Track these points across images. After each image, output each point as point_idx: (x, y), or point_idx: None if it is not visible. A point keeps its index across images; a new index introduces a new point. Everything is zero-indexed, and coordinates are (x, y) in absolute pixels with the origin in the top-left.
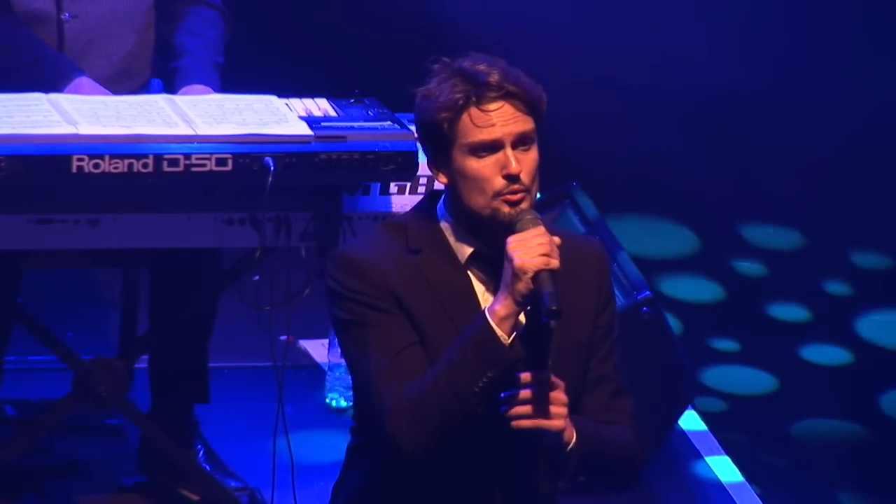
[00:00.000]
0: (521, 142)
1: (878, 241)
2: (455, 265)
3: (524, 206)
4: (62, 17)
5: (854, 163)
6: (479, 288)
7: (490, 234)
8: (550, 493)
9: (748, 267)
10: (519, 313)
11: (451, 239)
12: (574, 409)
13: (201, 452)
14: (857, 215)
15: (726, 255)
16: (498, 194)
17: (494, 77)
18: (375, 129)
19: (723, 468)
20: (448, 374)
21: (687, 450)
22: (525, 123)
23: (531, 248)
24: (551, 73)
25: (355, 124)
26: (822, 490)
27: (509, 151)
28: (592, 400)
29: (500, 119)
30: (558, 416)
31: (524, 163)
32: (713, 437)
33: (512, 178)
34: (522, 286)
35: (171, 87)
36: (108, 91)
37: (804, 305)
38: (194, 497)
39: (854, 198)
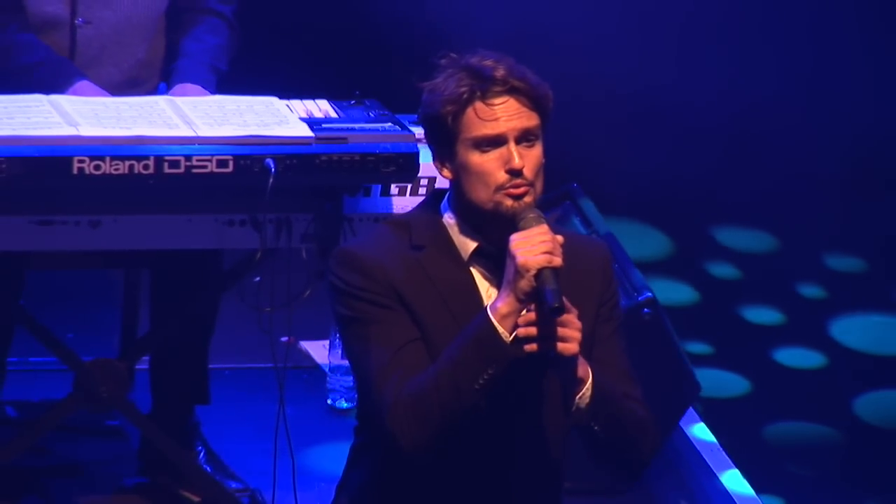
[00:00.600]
0: (525, 137)
1: (851, 243)
2: (458, 262)
3: (527, 199)
4: (76, 21)
5: (827, 166)
6: (481, 284)
7: (493, 230)
8: (555, 492)
9: (722, 269)
10: (521, 311)
11: (455, 235)
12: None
13: (202, 453)
14: (830, 218)
15: (699, 258)
16: (500, 188)
17: (500, 72)
18: (376, 130)
19: (723, 469)
20: (449, 371)
21: (688, 451)
22: (529, 119)
23: (534, 246)
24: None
25: (356, 126)
26: (797, 493)
27: (513, 146)
28: None
29: (505, 114)
30: (572, 340)
31: (528, 158)
32: (714, 438)
33: (514, 173)
34: (525, 284)
35: (166, 84)
36: (107, 93)
37: (777, 308)
38: (195, 498)
39: (827, 200)
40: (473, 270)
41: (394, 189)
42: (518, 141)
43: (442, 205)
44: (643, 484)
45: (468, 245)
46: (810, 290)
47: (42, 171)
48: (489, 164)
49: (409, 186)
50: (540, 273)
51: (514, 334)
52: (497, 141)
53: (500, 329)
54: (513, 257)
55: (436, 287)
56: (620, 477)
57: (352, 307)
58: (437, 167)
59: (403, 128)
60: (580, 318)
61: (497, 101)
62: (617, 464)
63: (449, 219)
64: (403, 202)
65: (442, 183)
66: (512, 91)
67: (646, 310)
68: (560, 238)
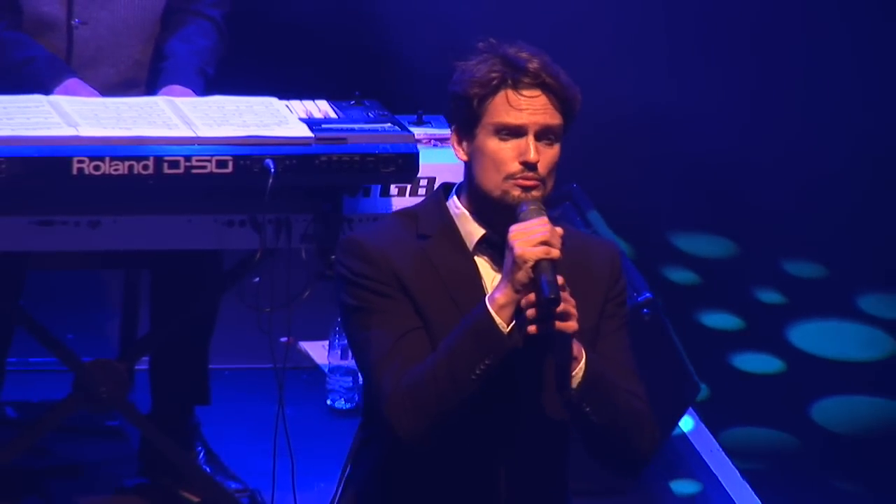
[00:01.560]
0: (545, 134)
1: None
2: (462, 251)
3: (535, 194)
4: (72, 22)
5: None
6: (486, 273)
7: (498, 219)
8: (560, 485)
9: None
10: (518, 301)
11: (461, 224)
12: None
13: (202, 454)
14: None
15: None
16: (511, 177)
17: (534, 65)
18: (376, 130)
19: (724, 470)
20: (446, 361)
21: (687, 451)
22: (553, 118)
23: (532, 237)
24: None
25: (356, 126)
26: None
27: (531, 140)
28: None
29: (531, 107)
30: (571, 316)
31: (544, 156)
32: (714, 439)
33: (528, 166)
34: (522, 275)
35: (153, 88)
36: (97, 93)
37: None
38: (195, 499)
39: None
40: (478, 259)
41: (393, 189)
42: (538, 137)
43: (450, 195)
44: (642, 484)
45: (474, 234)
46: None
47: (42, 171)
48: (505, 152)
49: (409, 187)
50: (537, 264)
51: (511, 324)
52: (517, 131)
53: (498, 319)
54: (511, 248)
55: (440, 276)
56: (618, 472)
57: (355, 295)
58: (453, 146)
59: (403, 128)
60: (585, 312)
61: (526, 92)
62: (612, 457)
63: (456, 208)
64: (403, 203)
65: (459, 158)
66: (542, 86)
67: (646, 310)
68: (559, 230)
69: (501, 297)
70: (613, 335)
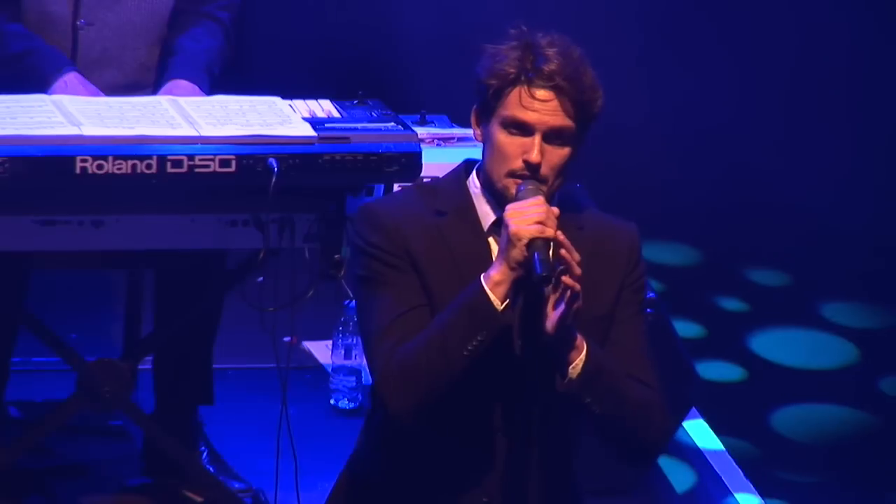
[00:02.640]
0: (554, 136)
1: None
2: (477, 230)
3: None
4: (78, 22)
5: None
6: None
7: (504, 202)
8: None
9: None
10: (513, 279)
11: (478, 205)
12: None
13: (205, 454)
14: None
15: None
16: (512, 174)
17: (552, 66)
18: (379, 130)
19: (727, 471)
20: (439, 336)
21: (691, 451)
22: (564, 121)
23: (527, 216)
24: None
25: (359, 125)
26: None
27: (537, 140)
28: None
29: (542, 107)
30: (571, 263)
31: (550, 157)
32: (717, 439)
33: (529, 166)
34: (517, 253)
35: (158, 84)
36: (97, 89)
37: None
38: (198, 498)
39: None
40: (492, 240)
41: (396, 189)
42: (546, 138)
43: (471, 173)
44: (646, 484)
45: (489, 215)
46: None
47: (45, 170)
48: (510, 147)
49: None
50: (531, 242)
51: (505, 302)
52: (525, 128)
53: (492, 296)
54: (506, 226)
55: (451, 254)
56: (628, 461)
57: (365, 265)
58: (472, 124)
59: (406, 127)
60: (600, 296)
61: (538, 93)
62: (619, 446)
63: (475, 187)
64: None
65: (476, 139)
66: (556, 89)
67: (649, 310)
68: (555, 210)
69: (497, 275)
70: (628, 322)
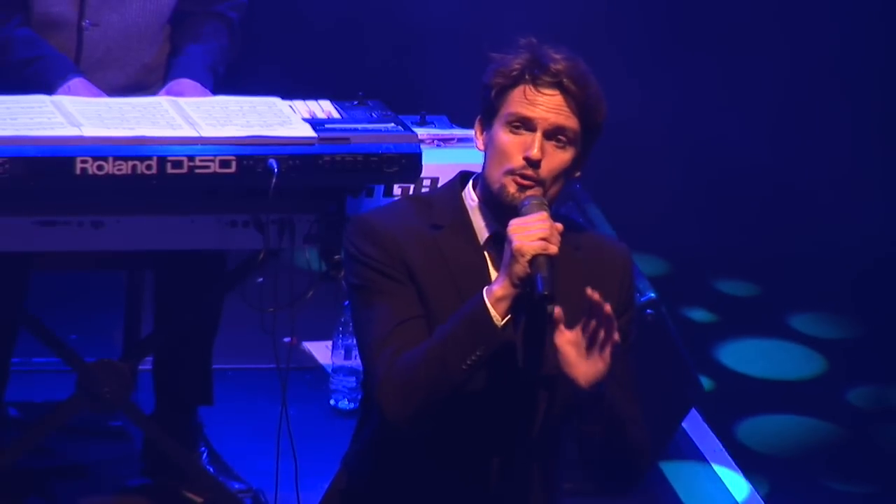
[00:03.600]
0: (556, 134)
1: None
2: (473, 245)
3: (531, 192)
4: (83, 23)
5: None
6: (495, 269)
7: (501, 214)
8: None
9: None
10: (515, 295)
11: (474, 218)
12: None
13: (205, 454)
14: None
15: None
16: (511, 172)
17: (558, 66)
18: (379, 130)
19: (726, 471)
20: (439, 348)
21: (690, 452)
22: (567, 119)
23: (531, 232)
24: None
25: (359, 126)
26: None
27: (538, 137)
28: None
29: (545, 104)
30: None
31: (550, 157)
32: (717, 440)
33: (530, 162)
34: (519, 269)
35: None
36: (103, 94)
37: None
38: (198, 499)
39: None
40: (487, 255)
41: (396, 190)
42: (548, 136)
43: (467, 186)
44: (644, 485)
45: (486, 228)
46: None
47: (45, 171)
48: (512, 145)
49: (412, 187)
50: (534, 259)
51: (506, 318)
52: (527, 124)
53: (493, 312)
54: (510, 242)
55: (448, 267)
56: (606, 491)
57: (361, 275)
58: (475, 135)
59: (406, 128)
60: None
61: (543, 90)
62: (605, 478)
63: (471, 200)
64: None
65: (479, 149)
66: (560, 87)
67: (649, 310)
68: (559, 226)
69: (499, 290)
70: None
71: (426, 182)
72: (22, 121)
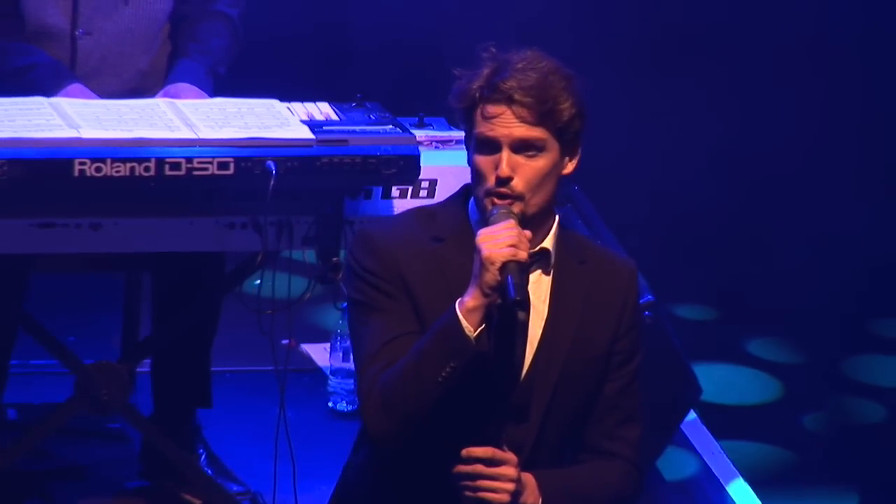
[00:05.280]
0: (524, 147)
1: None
2: (472, 258)
3: (514, 209)
4: (76, 32)
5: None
6: None
7: None
8: None
9: None
10: (487, 305)
11: (476, 232)
12: (576, 429)
13: (203, 456)
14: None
15: None
16: (489, 192)
17: (508, 84)
18: (377, 132)
19: (726, 474)
20: (415, 363)
21: (689, 452)
22: (529, 130)
23: (499, 240)
24: None
25: (357, 128)
26: None
27: (505, 154)
28: (599, 427)
29: (503, 122)
30: (504, 492)
31: (523, 170)
32: (715, 441)
33: (501, 181)
34: (490, 277)
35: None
36: (98, 97)
37: None
38: (196, 501)
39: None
40: None
41: (395, 191)
42: (516, 150)
43: (470, 200)
44: (645, 487)
45: None
46: None
47: (43, 173)
48: (484, 165)
49: (410, 189)
50: (504, 266)
51: (479, 329)
52: (492, 145)
53: (465, 323)
54: (479, 251)
55: (446, 281)
56: None
57: (359, 289)
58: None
59: (404, 130)
60: (596, 338)
61: (493, 108)
62: None
63: (475, 213)
64: (405, 205)
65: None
66: (510, 101)
67: (647, 312)
68: (527, 233)
69: (470, 301)
70: (624, 381)
71: (424, 184)
72: (20, 123)
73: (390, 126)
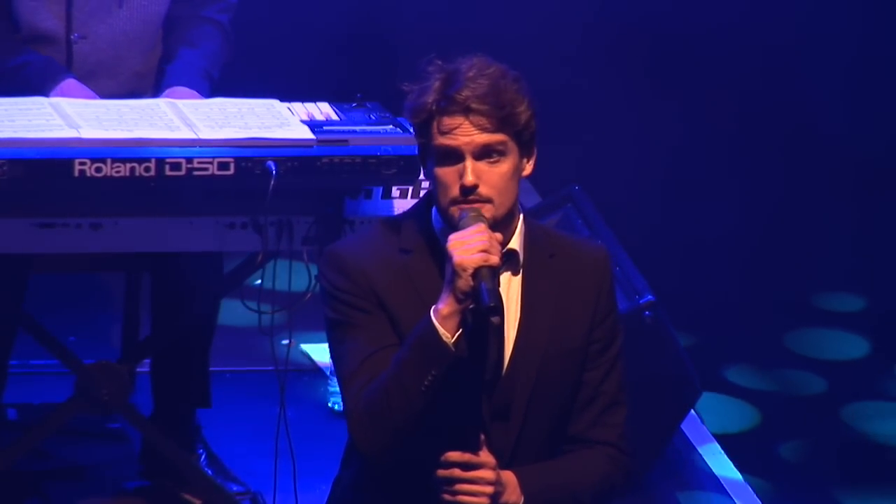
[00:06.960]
0: (486, 153)
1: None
2: (441, 267)
3: (485, 214)
4: (71, 37)
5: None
6: None
7: None
8: None
9: None
10: (461, 311)
11: (442, 241)
12: (561, 421)
13: (203, 456)
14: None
15: None
16: (454, 202)
17: (463, 94)
18: (377, 132)
19: (725, 471)
20: (396, 375)
21: (689, 453)
22: (490, 136)
23: (470, 245)
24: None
25: (357, 128)
26: None
27: (468, 163)
28: (583, 416)
29: (462, 131)
30: (482, 495)
31: (488, 175)
32: (715, 441)
33: (464, 190)
34: (463, 283)
35: (157, 90)
36: (95, 94)
37: None
38: (196, 501)
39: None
40: None
41: (395, 191)
42: (478, 157)
43: (433, 209)
44: (646, 487)
45: None
46: None
47: (43, 173)
48: (447, 176)
49: (411, 189)
50: (477, 272)
51: (456, 335)
52: (453, 155)
53: (441, 330)
54: (450, 258)
55: (418, 292)
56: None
57: (334, 308)
58: (422, 170)
59: (405, 130)
60: (572, 329)
61: (453, 119)
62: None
63: (438, 222)
64: (404, 205)
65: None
66: (467, 111)
67: (647, 312)
68: (498, 236)
69: (445, 308)
70: (606, 367)
71: (424, 184)
72: (20, 123)
73: (390, 126)
